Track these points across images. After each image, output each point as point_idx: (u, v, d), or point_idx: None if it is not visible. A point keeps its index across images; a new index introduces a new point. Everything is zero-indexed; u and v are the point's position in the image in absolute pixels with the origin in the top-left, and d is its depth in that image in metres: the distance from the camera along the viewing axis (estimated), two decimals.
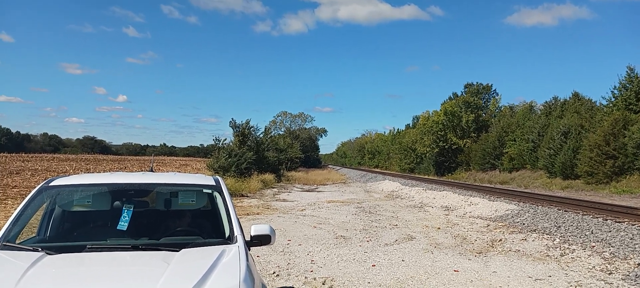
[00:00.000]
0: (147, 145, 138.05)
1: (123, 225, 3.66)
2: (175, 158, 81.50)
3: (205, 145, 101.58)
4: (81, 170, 33.22)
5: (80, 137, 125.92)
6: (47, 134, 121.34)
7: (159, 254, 3.21)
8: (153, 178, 4.30)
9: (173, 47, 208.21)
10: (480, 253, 9.56)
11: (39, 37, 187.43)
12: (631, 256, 8.72)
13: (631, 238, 10.08)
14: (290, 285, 6.90)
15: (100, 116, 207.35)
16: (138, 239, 3.60)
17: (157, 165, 38.83)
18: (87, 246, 3.30)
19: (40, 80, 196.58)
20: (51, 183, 4.02)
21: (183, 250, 3.26)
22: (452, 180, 43.42)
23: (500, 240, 10.98)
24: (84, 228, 3.99)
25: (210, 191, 4.21)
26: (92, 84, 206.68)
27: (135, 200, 3.99)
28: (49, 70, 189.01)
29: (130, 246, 3.38)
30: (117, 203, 4.00)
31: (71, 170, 32.24)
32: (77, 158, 58.38)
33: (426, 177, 52.17)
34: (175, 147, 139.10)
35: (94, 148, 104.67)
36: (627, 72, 33.55)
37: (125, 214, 3.72)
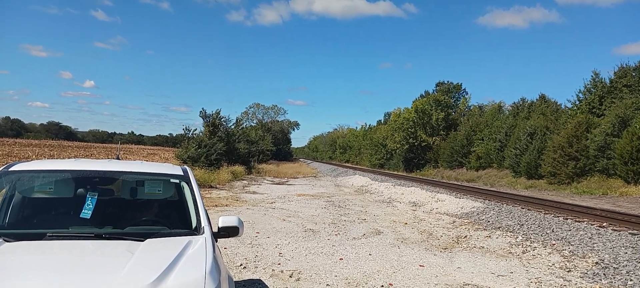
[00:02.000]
0: (115, 132, 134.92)
1: (86, 213, 3.57)
2: (143, 147, 79.98)
3: (174, 135, 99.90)
4: (44, 156, 32.21)
5: (44, 122, 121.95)
6: (9, 117, 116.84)
7: (123, 243, 3.15)
8: (119, 166, 4.20)
9: (143, 33, 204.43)
10: (445, 249, 9.74)
11: (0, 17, 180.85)
12: (589, 255, 9.04)
13: (590, 238, 10.45)
14: (257, 278, 6.88)
15: (66, 101, 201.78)
16: (102, 228, 3.53)
17: (124, 154, 38.04)
18: (48, 234, 3.21)
19: (1, 62, 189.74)
20: (11, 169, 3.89)
21: (148, 240, 3.21)
22: (421, 177, 44.03)
23: (466, 236, 11.21)
24: (45, 216, 3.88)
25: (177, 181, 4.15)
26: (57, 67, 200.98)
27: (100, 188, 3.90)
28: (10, 52, 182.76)
29: (93, 235, 3.30)
30: (80, 190, 3.89)
31: (34, 156, 31.21)
32: (40, 144, 56.54)
33: (395, 173, 52.76)
34: (143, 136, 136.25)
35: (59, 134, 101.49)
36: (592, 76, 34.74)
37: (89, 202, 3.63)
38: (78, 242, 3.19)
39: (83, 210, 3.58)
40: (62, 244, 3.12)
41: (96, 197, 3.68)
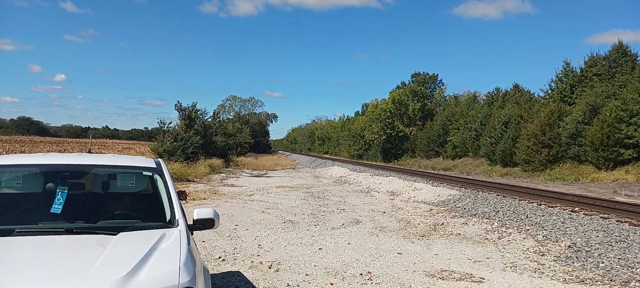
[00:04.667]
0: (89, 127, 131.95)
1: (57, 208, 3.48)
2: (118, 141, 78.51)
3: (149, 129, 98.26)
4: (15, 152, 31.34)
5: (15, 118, 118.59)
6: None
7: (95, 238, 3.08)
8: (90, 159, 4.10)
9: (115, 25, 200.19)
10: (423, 236, 9.85)
11: None
12: (562, 239, 9.26)
13: (562, 222, 10.69)
14: (236, 270, 6.84)
15: (37, 96, 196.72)
16: (73, 223, 3.44)
17: (98, 148, 37.29)
18: (16, 230, 3.11)
19: None
20: None
21: (121, 233, 3.15)
22: (398, 167, 44.39)
23: (443, 224, 11.35)
24: (14, 212, 3.76)
25: (150, 174, 4.07)
26: (27, 61, 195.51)
27: (70, 182, 3.80)
28: None
29: (63, 229, 3.22)
30: (50, 185, 3.79)
31: (3, 152, 30.37)
32: (10, 139, 54.98)
33: (374, 163, 53.06)
34: (118, 130, 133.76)
35: (30, 130, 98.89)
36: (563, 66, 35.45)
37: (59, 197, 3.53)
38: (48, 237, 3.11)
39: (53, 206, 3.48)
40: (31, 240, 3.03)
41: (66, 191, 3.58)
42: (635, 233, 9.23)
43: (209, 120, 36.74)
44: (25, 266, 2.59)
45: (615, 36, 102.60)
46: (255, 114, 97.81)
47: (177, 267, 2.63)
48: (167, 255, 2.83)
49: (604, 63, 32.58)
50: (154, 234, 3.17)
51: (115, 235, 3.10)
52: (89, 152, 5.05)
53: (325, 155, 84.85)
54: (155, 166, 4.08)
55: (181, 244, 2.99)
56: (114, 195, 4.09)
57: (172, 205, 3.61)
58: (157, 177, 3.99)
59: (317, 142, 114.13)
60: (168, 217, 3.59)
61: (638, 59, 31.04)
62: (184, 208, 3.71)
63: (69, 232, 3.20)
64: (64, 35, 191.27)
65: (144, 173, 4.10)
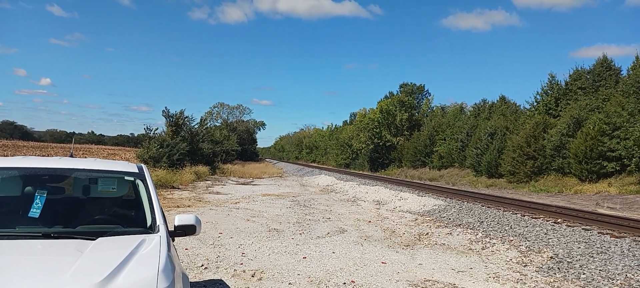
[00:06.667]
0: (74, 132, 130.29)
1: (35, 212, 3.43)
2: (103, 147, 77.68)
3: (136, 135, 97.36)
4: None
5: None
6: None
7: (73, 243, 3.04)
8: (70, 163, 4.05)
9: (103, 30, 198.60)
10: (407, 246, 9.86)
11: None
12: (545, 249, 9.34)
13: (545, 233, 10.80)
14: (219, 278, 6.78)
15: (21, 99, 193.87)
16: (51, 227, 3.39)
17: (83, 154, 36.83)
18: None
19: None
20: None
21: (100, 238, 3.11)
22: (385, 176, 44.53)
23: (427, 233, 11.39)
24: None
25: (132, 179, 4.03)
26: (11, 64, 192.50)
27: (50, 186, 3.76)
28: None
29: (41, 234, 3.18)
30: (28, 188, 3.74)
31: None
32: None
33: (361, 172, 53.17)
34: (103, 136, 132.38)
35: (14, 134, 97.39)
36: (548, 78, 35.99)
37: (37, 200, 3.49)
38: (25, 242, 3.06)
39: (31, 210, 3.43)
40: (7, 244, 2.98)
41: (45, 195, 3.54)
42: (616, 245, 9.36)
43: (196, 127, 36.55)
44: (0, 270, 2.54)
45: (600, 50, 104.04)
46: (243, 121, 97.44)
47: (156, 273, 2.61)
48: (145, 260, 2.80)
49: (588, 77, 33.11)
50: (133, 240, 3.14)
51: (93, 240, 3.06)
52: (71, 156, 4.99)
53: (313, 164, 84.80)
54: (137, 171, 4.04)
55: (161, 250, 2.96)
56: (94, 200, 4.04)
57: (154, 210, 3.58)
58: (139, 182, 3.95)
59: (304, 150, 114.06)
60: (149, 222, 3.56)
61: (622, 73, 31.60)
62: (165, 214, 3.68)
63: (47, 236, 3.15)
64: (50, 39, 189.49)
65: (126, 178, 4.06)
